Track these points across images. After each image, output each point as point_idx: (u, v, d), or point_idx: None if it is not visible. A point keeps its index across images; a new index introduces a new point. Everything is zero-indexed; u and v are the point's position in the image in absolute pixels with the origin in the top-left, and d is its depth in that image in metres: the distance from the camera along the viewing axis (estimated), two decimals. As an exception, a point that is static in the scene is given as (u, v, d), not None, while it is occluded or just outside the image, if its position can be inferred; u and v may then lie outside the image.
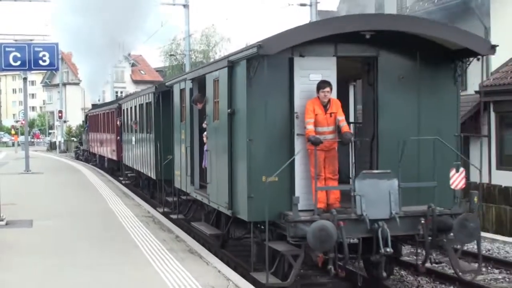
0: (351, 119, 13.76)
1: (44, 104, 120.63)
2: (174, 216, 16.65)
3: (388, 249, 9.72)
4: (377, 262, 10.20)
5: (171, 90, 17.06)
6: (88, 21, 42.32)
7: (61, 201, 20.58)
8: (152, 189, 22.53)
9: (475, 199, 10.72)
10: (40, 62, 15.43)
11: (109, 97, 70.39)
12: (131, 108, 25.62)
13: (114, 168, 33.05)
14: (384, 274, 10.24)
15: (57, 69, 16.02)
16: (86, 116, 47.97)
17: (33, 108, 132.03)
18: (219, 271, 10.49)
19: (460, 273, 10.66)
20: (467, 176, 12.71)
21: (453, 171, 10.43)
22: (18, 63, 15.31)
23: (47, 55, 15.46)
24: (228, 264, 11.87)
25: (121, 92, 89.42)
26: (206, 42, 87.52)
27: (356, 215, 9.83)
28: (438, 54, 11.12)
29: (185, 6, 47.07)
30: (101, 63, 52.17)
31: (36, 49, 15.38)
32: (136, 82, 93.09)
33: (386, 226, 9.76)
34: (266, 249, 9.94)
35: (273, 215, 10.10)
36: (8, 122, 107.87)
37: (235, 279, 10.00)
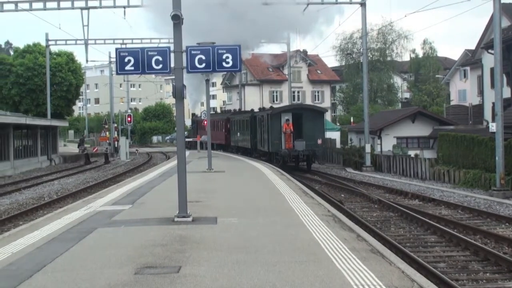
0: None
1: (224, 104, 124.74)
2: (263, 159, 47.72)
3: (302, 157, 44.88)
4: (306, 163, 46.80)
5: (255, 117, 51.22)
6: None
7: (243, 198, 21.22)
8: (247, 153, 54.44)
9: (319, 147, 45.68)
10: (223, 63, 15.81)
11: (286, 97, 71.38)
12: (235, 121, 59.58)
13: (222, 149, 64.02)
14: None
15: (239, 70, 16.37)
16: (194, 121, 79.66)
17: (213, 109, 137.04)
18: (402, 272, 10.30)
19: (319, 164, 49.04)
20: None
21: (318, 139, 44.77)
22: (203, 65, 15.78)
23: (230, 56, 15.81)
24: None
25: (298, 92, 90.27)
26: (382, 40, 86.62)
27: (294, 149, 44.06)
28: (319, 111, 47.56)
29: (362, 4, 46.78)
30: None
31: (220, 51, 15.77)
32: (312, 81, 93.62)
33: (302, 152, 44.01)
34: (273, 158, 46.06)
35: (276, 150, 44.94)
36: (190, 123, 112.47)
37: (420, 281, 9.77)
